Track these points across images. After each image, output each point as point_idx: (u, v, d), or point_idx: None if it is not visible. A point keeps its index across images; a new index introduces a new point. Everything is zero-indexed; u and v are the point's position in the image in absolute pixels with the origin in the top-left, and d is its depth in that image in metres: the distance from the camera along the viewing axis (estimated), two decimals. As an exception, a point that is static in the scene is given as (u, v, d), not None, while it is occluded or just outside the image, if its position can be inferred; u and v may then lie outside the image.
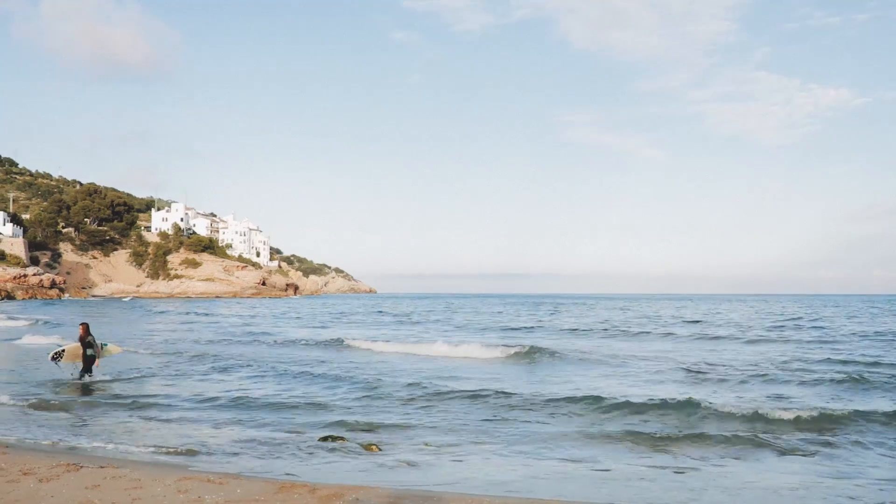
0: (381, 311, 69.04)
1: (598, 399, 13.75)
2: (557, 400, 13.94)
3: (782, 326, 41.75)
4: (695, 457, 9.68)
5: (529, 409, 13.26)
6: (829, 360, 21.98)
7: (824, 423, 11.65)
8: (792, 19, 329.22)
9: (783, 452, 9.91)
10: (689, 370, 19.57)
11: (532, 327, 41.90)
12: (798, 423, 11.60)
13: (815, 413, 12.18)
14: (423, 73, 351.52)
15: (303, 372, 19.05)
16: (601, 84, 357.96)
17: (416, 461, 9.17)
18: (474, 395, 14.60)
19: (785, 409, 12.48)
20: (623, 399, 13.74)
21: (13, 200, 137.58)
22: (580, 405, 13.44)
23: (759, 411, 12.28)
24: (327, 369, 19.71)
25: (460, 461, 9.24)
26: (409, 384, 16.17)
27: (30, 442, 9.95)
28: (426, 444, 10.24)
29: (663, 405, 13.09)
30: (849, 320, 50.56)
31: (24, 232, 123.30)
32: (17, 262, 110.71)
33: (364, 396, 14.90)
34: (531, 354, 23.49)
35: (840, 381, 16.91)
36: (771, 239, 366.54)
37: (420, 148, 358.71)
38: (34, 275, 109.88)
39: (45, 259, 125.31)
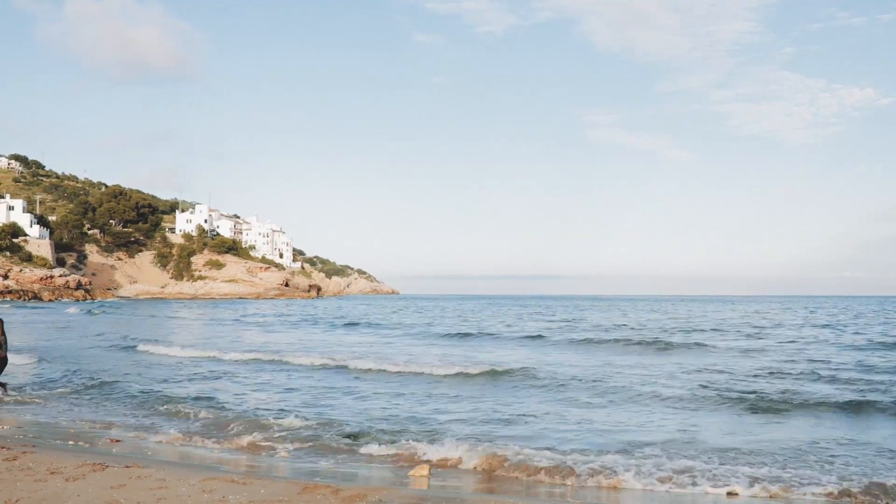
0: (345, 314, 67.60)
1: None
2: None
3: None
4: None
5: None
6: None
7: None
8: (815, 20, 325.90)
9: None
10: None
11: (474, 334, 35.81)
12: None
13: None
14: (446, 74, 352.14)
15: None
16: (624, 85, 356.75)
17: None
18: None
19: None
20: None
21: (40, 202, 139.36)
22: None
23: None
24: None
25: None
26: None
27: (57, 441, 10.04)
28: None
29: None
30: None
31: (51, 234, 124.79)
32: (44, 264, 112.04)
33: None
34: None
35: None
36: (795, 239, 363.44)
37: (443, 149, 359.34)
38: (60, 276, 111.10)
39: (71, 260, 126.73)
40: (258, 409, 13.42)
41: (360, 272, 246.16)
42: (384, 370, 19.78)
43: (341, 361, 21.60)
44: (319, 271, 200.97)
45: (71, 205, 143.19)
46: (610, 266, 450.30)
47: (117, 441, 10.30)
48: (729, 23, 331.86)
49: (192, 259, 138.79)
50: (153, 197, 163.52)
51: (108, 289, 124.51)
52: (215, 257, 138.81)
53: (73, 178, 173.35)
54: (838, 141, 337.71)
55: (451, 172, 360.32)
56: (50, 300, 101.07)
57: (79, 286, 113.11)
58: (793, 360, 21.76)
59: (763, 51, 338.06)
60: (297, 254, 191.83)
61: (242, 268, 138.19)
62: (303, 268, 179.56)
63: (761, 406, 13.49)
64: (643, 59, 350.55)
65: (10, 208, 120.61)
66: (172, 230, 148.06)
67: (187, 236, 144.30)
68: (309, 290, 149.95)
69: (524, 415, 12.85)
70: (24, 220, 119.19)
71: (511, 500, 7.29)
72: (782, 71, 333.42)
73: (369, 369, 20.03)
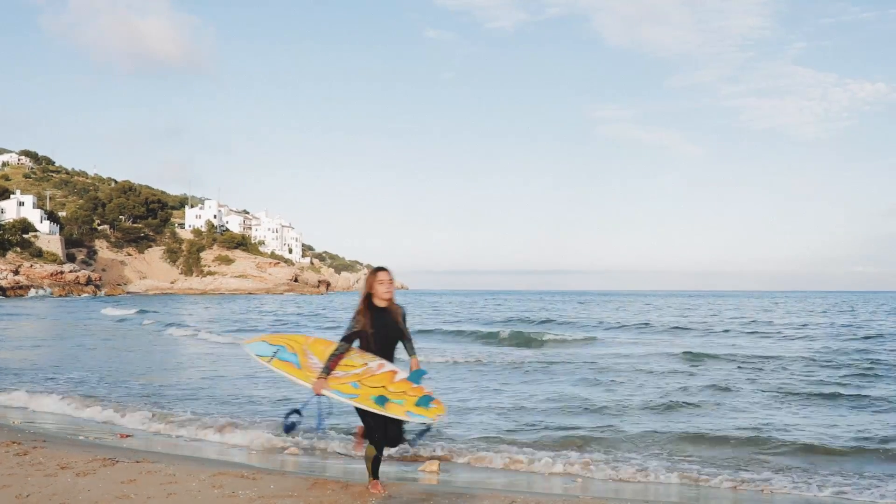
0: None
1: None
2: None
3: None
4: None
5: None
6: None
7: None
8: (827, 14, 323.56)
9: None
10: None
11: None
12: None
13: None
14: (457, 70, 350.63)
15: None
16: (635, 80, 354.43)
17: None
18: None
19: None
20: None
21: (50, 198, 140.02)
22: None
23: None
24: None
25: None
26: None
27: (68, 436, 10.07)
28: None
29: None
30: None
31: (61, 229, 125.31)
32: (54, 259, 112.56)
33: None
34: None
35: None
36: (805, 234, 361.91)
37: (454, 144, 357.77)
38: (70, 272, 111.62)
39: (80, 256, 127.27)
40: None
41: (370, 267, 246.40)
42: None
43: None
44: (329, 267, 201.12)
45: (81, 200, 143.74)
46: (621, 261, 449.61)
47: (127, 436, 10.33)
48: (740, 18, 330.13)
49: (202, 255, 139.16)
50: (162, 192, 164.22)
51: (118, 284, 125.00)
52: (224, 253, 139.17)
53: (83, 174, 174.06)
54: (850, 136, 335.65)
55: (461, 167, 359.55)
56: (60, 295, 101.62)
57: (89, 282, 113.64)
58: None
59: (774, 45, 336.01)
60: (307, 249, 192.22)
61: (251, 263, 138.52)
62: (312, 263, 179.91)
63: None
64: (654, 55, 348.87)
65: (21, 204, 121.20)
66: (182, 226, 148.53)
67: (197, 232, 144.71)
68: (318, 286, 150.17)
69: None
70: (34, 215, 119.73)
71: (521, 495, 7.26)
72: (794, 66, 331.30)
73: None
